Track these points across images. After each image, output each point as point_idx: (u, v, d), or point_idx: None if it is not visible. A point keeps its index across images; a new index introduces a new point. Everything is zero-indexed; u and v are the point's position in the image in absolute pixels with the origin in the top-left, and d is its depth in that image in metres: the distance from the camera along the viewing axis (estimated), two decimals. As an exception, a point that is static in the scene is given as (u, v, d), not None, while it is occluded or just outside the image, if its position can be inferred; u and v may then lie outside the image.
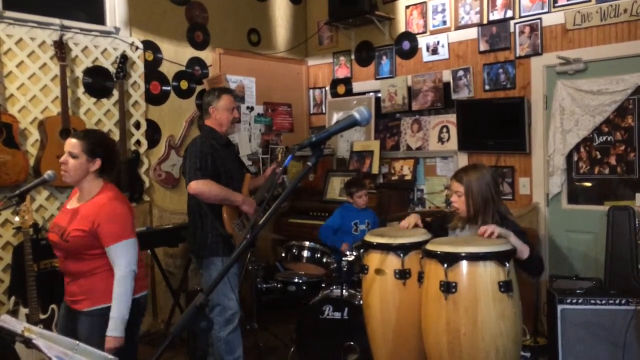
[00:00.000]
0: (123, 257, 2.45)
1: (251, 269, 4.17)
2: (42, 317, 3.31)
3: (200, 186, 3.19)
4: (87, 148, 2.50)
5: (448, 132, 5.01)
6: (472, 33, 4.77)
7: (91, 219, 2.45)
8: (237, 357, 3.36)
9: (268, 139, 5.51)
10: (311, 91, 6.04)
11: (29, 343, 1.72)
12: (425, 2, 5.07)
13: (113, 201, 2.51)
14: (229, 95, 3.49)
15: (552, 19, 4.34)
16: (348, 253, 3.67)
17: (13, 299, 3.47)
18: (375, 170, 5.29)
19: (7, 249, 3.84)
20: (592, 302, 3.36)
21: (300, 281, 3.94)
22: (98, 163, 2.53)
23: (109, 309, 2.44)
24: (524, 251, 2.55)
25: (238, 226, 3.33)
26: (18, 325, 1.79)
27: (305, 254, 4.05)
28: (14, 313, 3.32)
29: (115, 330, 2.41)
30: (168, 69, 4.83)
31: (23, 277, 3.30)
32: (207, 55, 5.12)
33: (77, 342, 1.63)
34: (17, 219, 3.30)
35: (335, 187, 5.29)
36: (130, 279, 2.46)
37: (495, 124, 4.56)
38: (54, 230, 2.56)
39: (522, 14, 4.48)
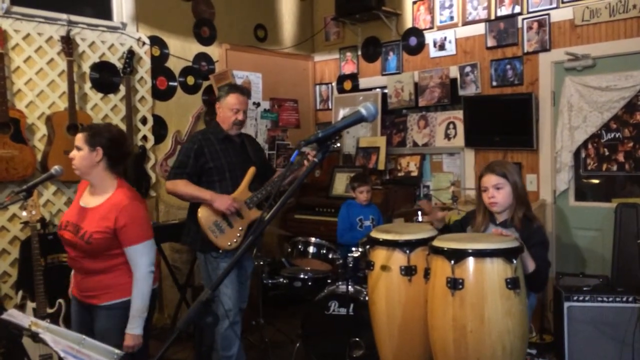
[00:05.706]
0: (144, 257, 2.50)
1: (257, 264, 4.17)
2: (49, 311, 3.33)
3: (170, 186, 3.29)
4: (88, 139, 2.51)
5: (454, 128, 4.99)
6: (480, 28, 4.75)
7: (113, 220, 2.46)
8: (232, 355, 3.30)
9: (274, 134, 5.50)
10: (317, 87, 6.03)
11: (35, 337, 1.73)
12: (432, -2, 5.06)
13: (134, 201, 2.53)
14: (236, 94, 3.34)
15: (560, 15, 4.31)
16: (353, 248, 3.66)
17: (20, 293, 3.48)
18: (381, 166, 5.28)
19: (14, 243, 3.86)
20: (599, 299, 3.36)
21: (306, 277, 3.93)
22: (100, 152, 2.51)
23: (128, 301, 2.49)
24: (529, 266, 2.51)
25: (216, 225, 3.23)
26: (25, 319, 1.81)
27: (311, 249, 4.04)
28: (21, 307, 3.34)
29: (135, 328, 2.46)
30: (174, 65, 4.83)
31: (30, 271, 3.33)
32: (214, 51, 5.12)
33: (84, 336, 1.64)
34: (24, 213, 3.32)
35: (341, 182, 5.28)
36: (149, 278, 2.53)
37: (502, 120, 4.53)
38: (68, 228, 2.54)
39: (530, 10, 4.45)
